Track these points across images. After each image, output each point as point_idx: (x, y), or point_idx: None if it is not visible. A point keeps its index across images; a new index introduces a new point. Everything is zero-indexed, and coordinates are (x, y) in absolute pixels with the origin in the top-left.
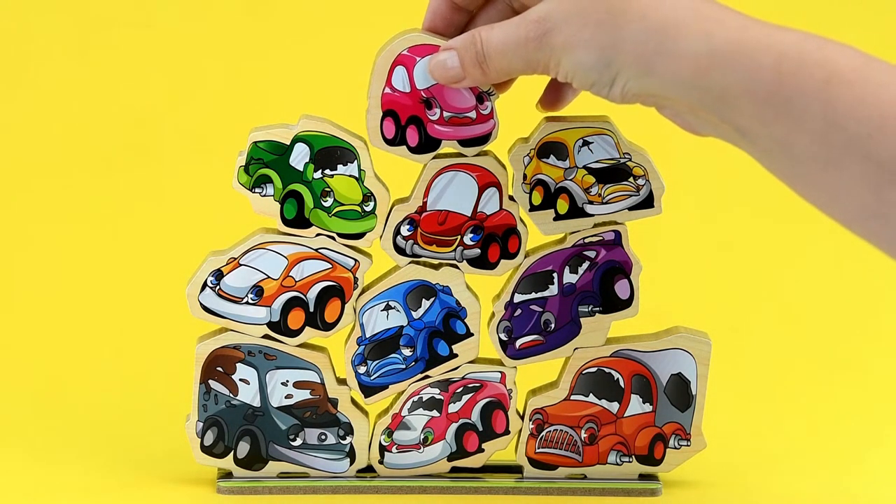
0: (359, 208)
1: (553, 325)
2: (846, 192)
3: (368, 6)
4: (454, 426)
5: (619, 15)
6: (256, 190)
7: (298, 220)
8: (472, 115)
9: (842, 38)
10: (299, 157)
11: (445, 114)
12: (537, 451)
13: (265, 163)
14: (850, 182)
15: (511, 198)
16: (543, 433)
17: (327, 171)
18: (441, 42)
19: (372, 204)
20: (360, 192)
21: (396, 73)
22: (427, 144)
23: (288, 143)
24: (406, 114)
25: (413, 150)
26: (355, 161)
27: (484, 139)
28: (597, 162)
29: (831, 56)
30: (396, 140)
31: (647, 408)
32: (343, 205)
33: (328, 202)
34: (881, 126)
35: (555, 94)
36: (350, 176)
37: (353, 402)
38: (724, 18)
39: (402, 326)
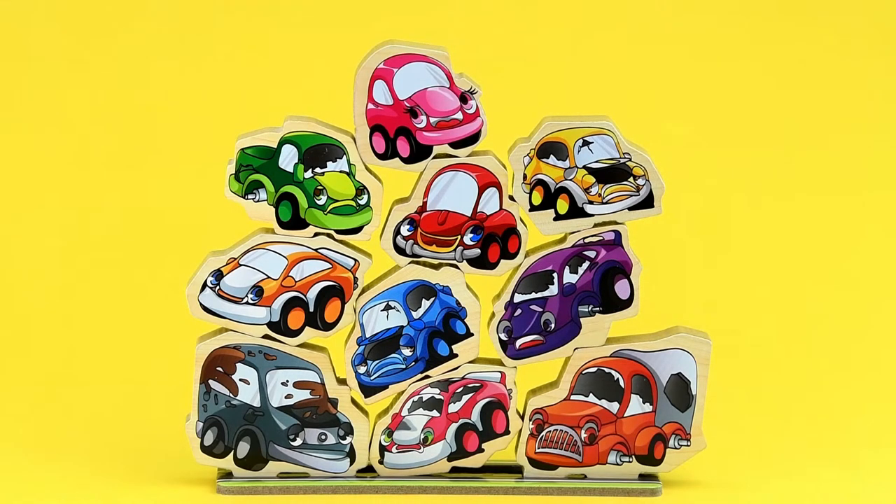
0: (353, 203)
1: (553, 325)
2: None
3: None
4: (454, 426)
5: None
6: (249, 196)
7: (294, 222)
8: (459, 116)
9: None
10: (288, 158)
11: (432, 119)
12: (537, 451)
13: (255, 168)
14: None
15: (511, 198)
16: (543, 433)
17: (317, 170)
18: (415, 50)
19: (366, 197)
20: (353, 186)
21: (377, 88)
22: (419, 153)
23: (275, 146)
24: (393, 126)
25: (406, 161)
26: (344, 156)
27: (474, 139)
28: (597, 162)
29: None
30: (388, 154)
31: (647, 408)
32: (337, 201)
33: (322, 200)
34: None
35: None
36: (341, 172)
37: (353, 402)
38: None
39: (402, 326)
